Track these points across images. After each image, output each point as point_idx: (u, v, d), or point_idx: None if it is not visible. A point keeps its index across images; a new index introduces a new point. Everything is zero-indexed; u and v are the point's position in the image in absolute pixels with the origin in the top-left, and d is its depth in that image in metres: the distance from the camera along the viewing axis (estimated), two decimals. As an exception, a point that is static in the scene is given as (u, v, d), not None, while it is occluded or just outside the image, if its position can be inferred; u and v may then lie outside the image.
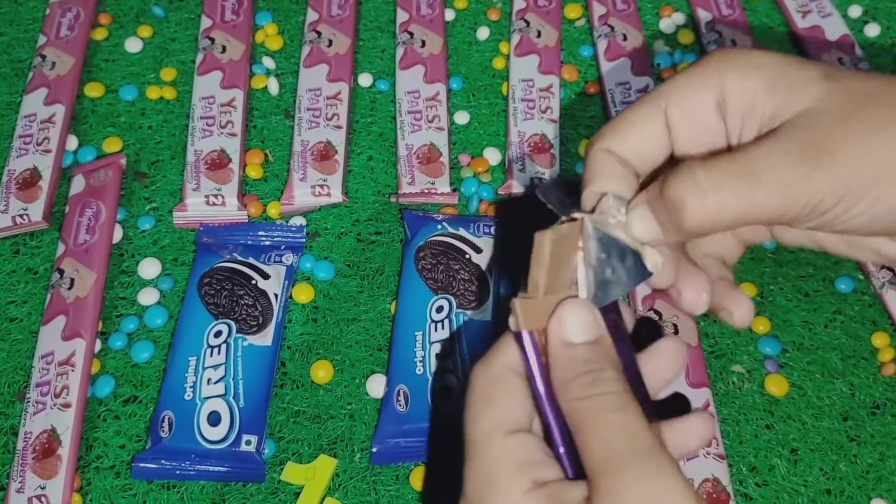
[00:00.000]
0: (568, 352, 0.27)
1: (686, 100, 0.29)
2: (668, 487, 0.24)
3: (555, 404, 0.27)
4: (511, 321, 0.27)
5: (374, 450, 0.39)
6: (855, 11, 0.56)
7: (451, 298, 0.42)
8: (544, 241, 0.27)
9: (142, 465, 0.39)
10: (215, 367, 0.40)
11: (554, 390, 0.27)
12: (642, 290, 0.44)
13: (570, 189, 0.29)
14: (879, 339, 0.44)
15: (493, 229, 0.45)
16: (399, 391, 0.40)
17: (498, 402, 0.28)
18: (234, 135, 0.48)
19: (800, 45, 0.54)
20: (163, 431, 0.39)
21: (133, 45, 0.53)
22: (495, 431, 0.27)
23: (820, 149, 0.26)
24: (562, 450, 0.27)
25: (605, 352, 0.27)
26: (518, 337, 0.27)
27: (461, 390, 0.40)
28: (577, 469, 0.26)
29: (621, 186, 0.29)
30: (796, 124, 0.27)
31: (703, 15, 0.55)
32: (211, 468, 0.39)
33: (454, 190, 0.48)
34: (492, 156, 0.49)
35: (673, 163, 0.30)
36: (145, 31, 0.54)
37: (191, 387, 0.40)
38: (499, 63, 0.53)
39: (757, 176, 0.27)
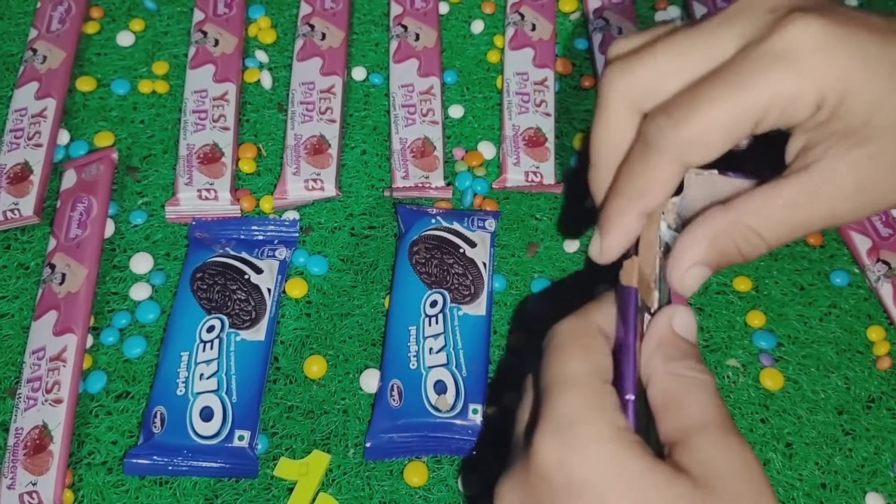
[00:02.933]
0: (678, 339, 0.29)
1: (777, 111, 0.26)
2: (745, 453, 0.27)
3: (636, 361, 0.29)
4: (623, 276, 0.30)
5: (367, 445, 0.39)
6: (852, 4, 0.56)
7: (446, 293, 0.42)
8: (657, 221, 0.29)
9: (134, 460, 0.38)
10: (208, 362, 0.40)
11: (655, 361, 0.29)
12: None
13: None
14: (875, 333, 0.43)
15: (487, 223, 0.45)
16: (393, 386, 0.40)
17: (597, 353, 0.29)
18: (226, 129, 0.48)
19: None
20: (155, 427, 0.39)
21: (125, 39, 0.53)
22: (594, 376, 0.28)
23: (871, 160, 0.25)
24: (631, 397, 0.28)
25: (697, 354, 0.29)
26: (625, 292, 0.29)
27: (455, 385, 0.40)
28: (637, 422, 0.28)
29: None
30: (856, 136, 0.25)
31: (699, 8, 0.54)
32: (203, 464, 0.38)
33: (448, 184, 0.47)
34: (486, 150, 0.49)
35: None
36: (137, 25, 0.53)
37: (183, 382, 0.40)
38: (493, 56, 0.53)
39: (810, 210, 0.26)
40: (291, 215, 0.46)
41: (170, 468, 0.38)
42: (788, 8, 0.25)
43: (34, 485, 0.38)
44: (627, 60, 0.27)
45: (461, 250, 0.44)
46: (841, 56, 0.24)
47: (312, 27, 0.52)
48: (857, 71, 0.24)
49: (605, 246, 0.29)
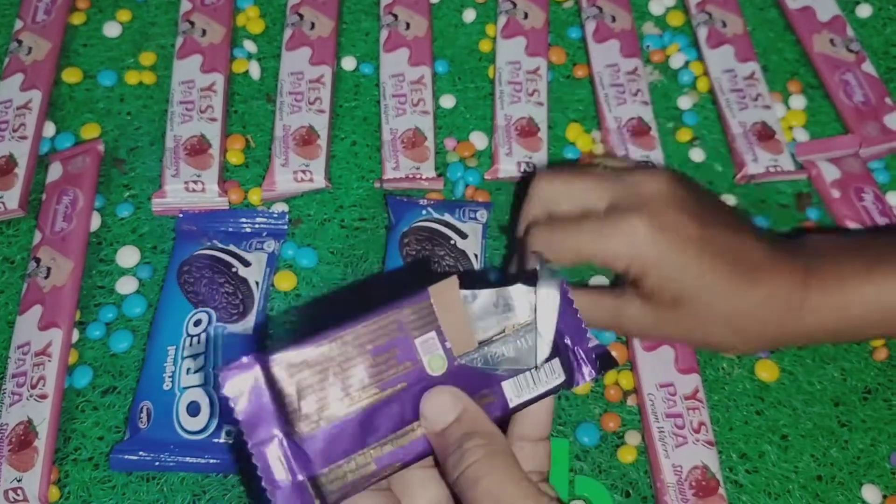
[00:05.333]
0: (439, 439, 0.29)
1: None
2: None
3: None
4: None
5: (357, 439, 0.39)
6: (847, -9, 0.55)
7: (436, 285, 0.42)
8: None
9: (120, 456, 0.38)
10: (195, 356, 0.40)
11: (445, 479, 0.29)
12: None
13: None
14: (871, 324, 0.43)
15: (479, 214, 0.45)
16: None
17: None
18: (214, 120, 0.47)
19: (791, 26, 0.53)
20: (141, 422, 0.38)
21: (111, 30, 0.52)
22: None
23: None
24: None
25: (471, 422, 0.29)
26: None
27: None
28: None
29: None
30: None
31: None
32: (191, 459, 0.38)
33: (439, 175, 0.47)
34: (478, 140, 0.48)
35: None
36: (124, 16, 0.53)
37: (170, 377, 0.39)
38: (485, 45, 0.52)
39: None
40: (280, 207, 0.46)
41: (157, 464, 0.38)
42: (645, 202, 0.36)
43: (19, 481, 0.37)
44: (551, 175, 0.39)
45: (452, 241, 0.43)
46: (650, 252, 0.36)
47: (301, 16, 0.51)
48: (654, 264, 0.36)
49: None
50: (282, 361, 0.28)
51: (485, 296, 0.30)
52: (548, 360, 0.30)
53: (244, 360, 0.27)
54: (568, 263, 0.37)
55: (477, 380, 0.30)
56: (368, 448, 0.28)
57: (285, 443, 0.27)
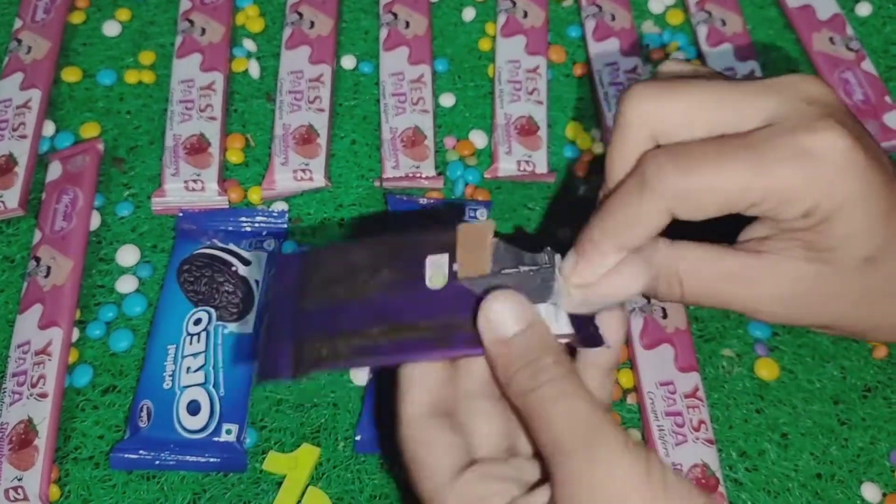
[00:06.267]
0: (503, 348, 0.27)
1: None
2: (608, 477, 0.24)
3: None
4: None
5: (357, 438, 0.39)
6: (846, -10, 0.55)
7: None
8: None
9: (120, 455, 0.38)
10: (195, 355, 0.40)
11: (501, 390, 0.28)
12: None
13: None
14: (871, 322, 0.43)
15: (479, 213, 0.45)
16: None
17: (425, 462, 0.28)
18: (213, 119, 0.47)
19: (791, 25, 0.53)
20: (141, 421, 0.38)
21: (111, 29, 0.52)
22: (434, 493, 0.27)
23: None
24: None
25: (540, 336, 0.27)
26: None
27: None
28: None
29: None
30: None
31: (693, -5, 0.54)
32: (191, 458, 0.38)
33: (439, 173, 0.47)
34: (478, 138, 0.48)
35: None
36: (123, 15, 0.53)
37: (170, 376, 0.39)
38: (485, 44, 0.52)
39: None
40: (280, 206, 0.46)
41: (157, 462, 0.38)
42: (825, 111, 0.25)
43: (20, 480, 0.37)
44: (657, 87, 0.27)
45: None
46: (850, 181, 0.25)
47: (301, 15, 0.51)
48: (854, 201, 0.25)
49: (578, 269, 0.28)
50: (315, 255, 0.32)
51: (514, 250, 0.30)
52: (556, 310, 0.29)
53: (296, 252, 0.33)
54: (708, 213, 0.26)
55: (470, 302, 0.29)
56: (352, 331, 0.30)
57: (291, 313, 0.31)
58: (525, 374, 0.26)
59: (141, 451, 0.38)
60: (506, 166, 0.47)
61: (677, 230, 0.28)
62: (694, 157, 0.25)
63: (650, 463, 0.25)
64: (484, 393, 0.29)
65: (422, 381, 0.29)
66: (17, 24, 0.51)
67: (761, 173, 0.25)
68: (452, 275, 0.29)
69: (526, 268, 0.29)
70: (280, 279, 0.32)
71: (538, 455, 0.28)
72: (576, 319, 0.30)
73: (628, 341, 0.42)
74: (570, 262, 0.29)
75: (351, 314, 0.30)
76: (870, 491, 0.39)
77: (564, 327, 0.29)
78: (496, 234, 0.30)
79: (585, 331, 0.30)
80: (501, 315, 0.27)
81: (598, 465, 0.25)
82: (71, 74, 0.50)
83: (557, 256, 0.30)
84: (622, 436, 0.25)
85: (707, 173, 0.25)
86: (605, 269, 0.28)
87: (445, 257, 0.30)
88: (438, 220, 0.44)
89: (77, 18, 0.52)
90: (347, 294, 0.30)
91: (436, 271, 0.30)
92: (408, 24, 0.51)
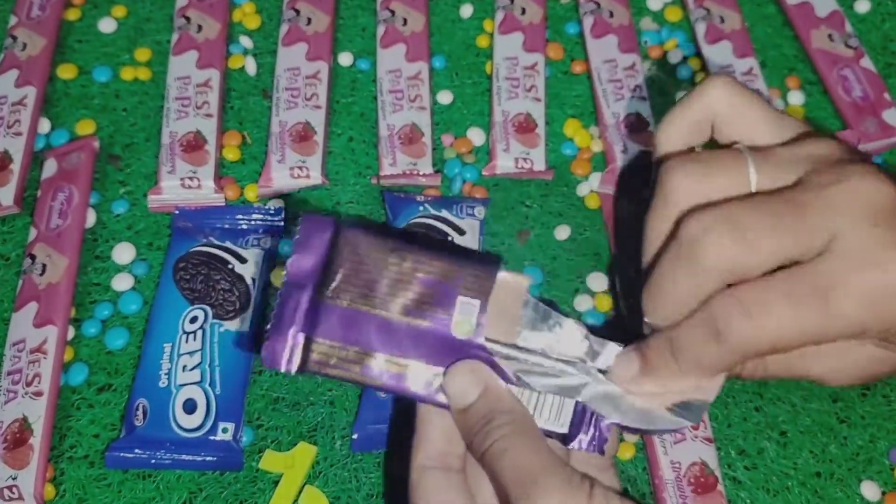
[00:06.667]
0: (462, 416, 0.30)
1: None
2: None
3: None
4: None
5: (354, 436, 0.39)
6: (845, -13, 0.55)
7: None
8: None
9: (116, 454, 0.38)
10: (191, 353, 0.39)
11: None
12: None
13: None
14: (870, 320, 0.43)
15: (476, 211, 0.44)
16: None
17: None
18: (210, 116, 0.47)
19: (789, 22, 0.53)
20: (137, 420, 0.38)
21: (107, 26, 0.52)
22: None
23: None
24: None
25: (495, 399, 0.30)
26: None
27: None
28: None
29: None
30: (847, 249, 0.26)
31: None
32: (187, 457, 0.38)
33: (437, 171, 0.46)
34: (475, 136, 0.48)
35: None
36: (119, 11, 0.52)
37: (165, 374, 0.39)
38: (483, 41, 0.52)
39: (825, 296, 0.26)
40: (277, 204, 0.45)
41: (153, 461, 0.38)
42: (890, 236, 0.26)
43: (14, 479, 0.37)
44: (693, 165, 0.29)
45: (450, 238, 0.43)
46: None
47: (298, 12, 0.51)
48: None
49: (642, 383, 0.31)
50: (350, 239, 0.30)
51: (544, 311, 0.31)
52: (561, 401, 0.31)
53: (328, 218, 0.31)
54: (765, 265, 0.27)
55: (487, 361, 0.30)
56: (366, 350, 0.30)
57: (311, 298, 0.30)
58: (480, 437, 0.29)
59: (137, 450, 0.38)
60: (504, 164, 0.47)
61: None
62: (761, 302, 0.27)
63: (593, 494, 0.27)
64: None
65: (436, 434, 0.31)
66: (13, 20, 0.51)
67: (833, 321, 0.27)
68: (479, 327, 0.30)
69: (561, 363, 0.31)
70: (306, 246, 0.30)
71: None
72: (577, 417, 0.31)
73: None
74: (630, 370, 0.31)
75: (370, 331, 0.30)
76: (869, 489, 0.39)
77: (556, 424, 0.31)
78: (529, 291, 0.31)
79: (584, 431, 0.31)
80: (457, 388, 0.30)
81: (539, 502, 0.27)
82: (66, 71, 0.50)
83: (606, 348, 0.31)
84: (565, 474, 0.28)
85: (781, 323, 0.27)
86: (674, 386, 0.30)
87: (476, 305, 0.30)
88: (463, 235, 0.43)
89: (73, 15, 0.52)
90: (371, 305, 0.30)
91: (463, 318, 0.30)
92: (405, 21, 0.51)
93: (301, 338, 0.30)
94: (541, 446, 0.29)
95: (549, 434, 0.31)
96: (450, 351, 0.30)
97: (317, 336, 0.30)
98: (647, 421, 0.30)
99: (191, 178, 0.45)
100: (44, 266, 0.42)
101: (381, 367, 0.30)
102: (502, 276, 0.30)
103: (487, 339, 0.30)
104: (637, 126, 0.48)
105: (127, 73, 0.50)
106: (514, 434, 0.28)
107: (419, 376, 0.30)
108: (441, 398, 0.30)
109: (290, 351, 0.30)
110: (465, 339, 0.30)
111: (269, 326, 0.30)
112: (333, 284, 0.30)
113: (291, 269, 0.30)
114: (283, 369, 0.30)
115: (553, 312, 0.31)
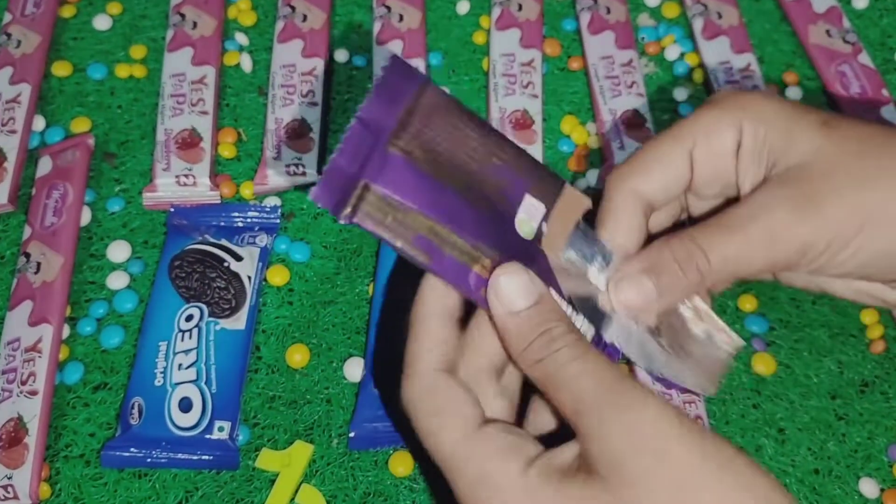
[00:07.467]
0: (514, 320, 0.28)
1: (711, 142, 0.31)
2: (639, 420, 0.26)
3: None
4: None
5: (351, 435, 0.38)
6: (843, -18, 0.55)
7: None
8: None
9: (111, 453, 0.38)
10: (186, 351, 0.39)
11: (514, 361, 0.28)
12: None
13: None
14: (868, 316, 0.43)
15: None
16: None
17: (446, 412, 0.28)
18: (205, 113, 0.47)
19: (787, 17, 0.53)
20: (132, 418, 0.38)
21: (101, 23, 0.51)
22: (458, 444, 0.27)
23: (808, 202, 0.29)
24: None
25: (551, 308, 0.28)
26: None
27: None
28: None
29: (630, 237, 0.31)
30: (790, 176, 0.30)
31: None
32: (183, 456, 0.37)
33: (433, 168, 0.46)
34: (472, 133, 0.48)
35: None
36: (114, 8, 0.52)
37: (161, 372, 0.39)
38: (479, 37, 0.52)
39: (745, 229, 0.29)
40: (272, 201, 0.45)
41: (148, 460, 0.37)
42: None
43: (9, 478, 0.37)
44: (638, 166, 0.32)
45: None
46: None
47: (293, 8, 0.51)
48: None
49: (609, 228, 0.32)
50: (435, 100, 0.28)
51: (591, 237, 0.30)
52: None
53: (418, 70, 0.29)
54: (748, 275, 0.31)
55: (545, 274, 0.29)
56: (424, 217, 0.27)
57: (381, 146, 0.27)
58: (539, 343, 0.27)
59: (132, 449, 0.37)
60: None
61: None
62: (713, 230, 0.30)
63: (679, 410, 0.26)
64: (491, 371, 0.30)
65: (436, 338, 0.29)
66: (7, 18, 0.51)
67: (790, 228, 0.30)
68: (538, 233, 0.29)
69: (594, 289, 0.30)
70: (389, 90, 0.28)
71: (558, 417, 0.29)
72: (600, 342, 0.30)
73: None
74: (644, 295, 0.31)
75: (432, 199, 0.27)
76: (867, 486, 0.39)
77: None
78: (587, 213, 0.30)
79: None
80: (508, 289, 0.28)
81: (627, 410, 0.26)
82: (61, 69, 0.50)
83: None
84: (646, 387, 0.27)
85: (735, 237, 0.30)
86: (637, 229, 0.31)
87: (541, 210, 0.29)
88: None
89: (67, 12, 0.52)
90: (439, 172, 0.27)
91: (527, 218, 0.29)
92: (401, 18, 0.51)
93: (361, 183, 0.27)
94: (611, 361, 0.27)
95: None
96: (509, 246, 0.28)
97: (377, 186, 0.27)
98: (672, 371, 0.30)
99: (186, 176, 0.45)
100: (38, 264, 0.42)
101: (436, 239, 0.27)
102: (569, 189, 0.29)
103: (542, 247, 0.29)
104: (634, 122, 0.48)
105: (122, 71, 0.49)
106: (582, 343, 0.27)
107: (469, 261, 0.28)
108: (482, 293, 0.28)
109: (343, 193, 0.27)
110: (525, 240, 0.28)
111: (327, 165, 0.27)
112: (406, 139, 0.27)
113: (366, 109, 0.27)
114: (331, 212, 0.27)
115: (599, 241, 0.30)
